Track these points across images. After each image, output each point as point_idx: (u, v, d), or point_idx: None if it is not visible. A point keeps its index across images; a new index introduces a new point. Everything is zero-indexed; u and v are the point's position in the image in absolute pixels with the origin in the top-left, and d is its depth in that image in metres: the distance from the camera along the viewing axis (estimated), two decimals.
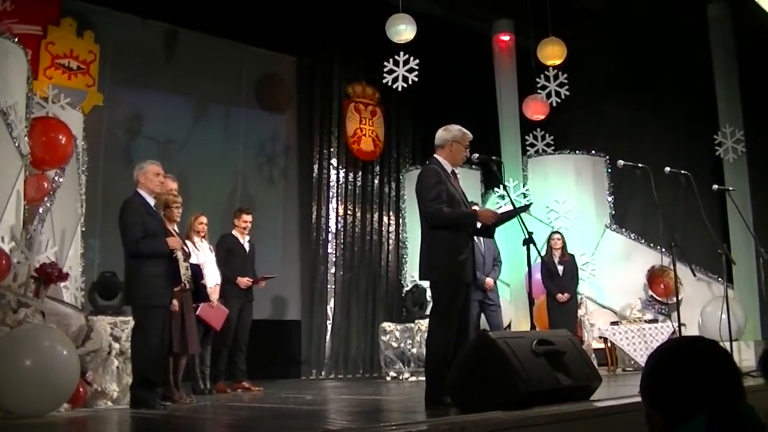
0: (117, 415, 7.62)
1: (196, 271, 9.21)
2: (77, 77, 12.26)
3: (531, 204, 9.62)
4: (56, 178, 9.12)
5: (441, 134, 7.33)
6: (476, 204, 11.02)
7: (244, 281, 11.02)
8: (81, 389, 7.50)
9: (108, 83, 12.69)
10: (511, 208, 7.35)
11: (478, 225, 7.13)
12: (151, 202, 8.23)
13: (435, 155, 7.30)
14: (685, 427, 2.25)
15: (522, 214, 7.02)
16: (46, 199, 8.92)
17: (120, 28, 13.05)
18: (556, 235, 12.71)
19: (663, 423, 2.34)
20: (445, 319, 6.84)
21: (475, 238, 8.71)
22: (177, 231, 9.03)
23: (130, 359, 8.06)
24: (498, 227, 7.51)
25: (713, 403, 2.25)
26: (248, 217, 11.35)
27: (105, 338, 8.10)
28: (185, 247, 9.04)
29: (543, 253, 12.13)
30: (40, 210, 8.80)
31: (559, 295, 12.13)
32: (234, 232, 11.31)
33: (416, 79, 12.12)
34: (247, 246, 11.33)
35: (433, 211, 6.92)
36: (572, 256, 12.64)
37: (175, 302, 8.50)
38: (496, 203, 14.22)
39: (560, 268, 12.39)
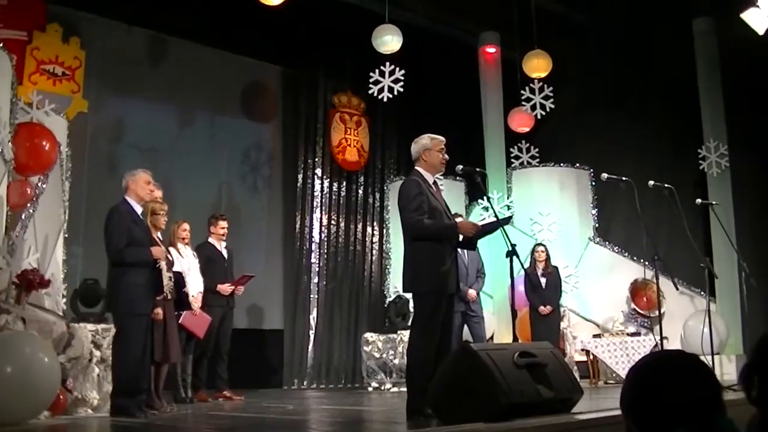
0: (97, 423, 7.59)
1: (178, 279, 9.20)
2: (62, 83, 12.23)
3: (513, 216, 9.60)
4: (39, 185, 9.09)
5: (413, 148, 7.38)
6: (460, 215, 11.04)
7: (224, 288, 11.02)
8: (61, 397, 7.47)
9: (93, 90, 12.66)
10: (493, 219, 7.35)
11: (461, 237, 7.13)
12: (139, 210, 8.24)
13: (415, 167, 7.31)
14: None
15: (505, 226, 7.02)
16: (29, 205, 8.88)
17: (106, 35, 13.02)
18: (540, 248, 12.70)
19: None
20: (426, 330, 6.83)
21: (460, 249, 8.71)
22: (161, 239, 9.00)
23: (111, 367, 8.03)
24: (480, 239, 7.52)
25: (692, 417, 2.26)
26: (224, 224, 11.36)
27: (86, 345, 8.06)
28: (169, 256, 9.03)
29: (526, 265, 12.14)
30: (23, 216, 8.77)
31: (542, 307, 12.12)
32: (211, 239, 11.31)
33: (402, 89, 12.14)
34: (225, 252, 11.34)
35: (414, 223, 6.93)
36: (556, 268, 12.63)
37: (159, 310, 8.50)
38: (480, 215, 14.23)
39: (543, 281, 12.38)
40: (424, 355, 6.78)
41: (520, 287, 12.04)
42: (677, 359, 2.44)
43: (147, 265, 8.04)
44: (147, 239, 8.24)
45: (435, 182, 7.36)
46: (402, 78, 12.11)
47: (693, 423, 2.25)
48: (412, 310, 7.57)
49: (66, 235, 9.74)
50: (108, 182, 11.48)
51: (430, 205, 6.98)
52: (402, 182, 7.58)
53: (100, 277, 8.56)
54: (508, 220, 7.57)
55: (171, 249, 9.64)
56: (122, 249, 7.89)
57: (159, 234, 8.95)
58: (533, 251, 12.69)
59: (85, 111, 12.41)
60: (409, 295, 9.14)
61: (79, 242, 11.71)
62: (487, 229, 7.29)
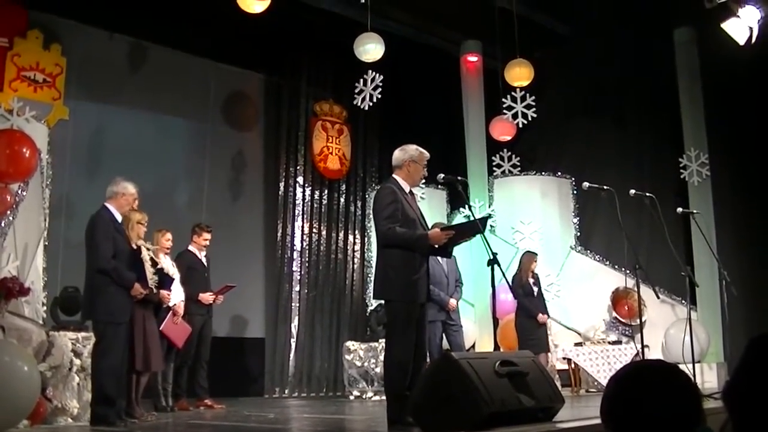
0: None
1: (162, 278, 9.19)
2: (43, 90, 12.14)
3: (487, 217, 9.49)
4: (20, 192, 9.05)
5: (397, 155, 7.37)
6: (442, 223, 11.02)
7: (206, 297, 11.01)
8: (41, 406, 7.43)
9: (74, 97, 12.57)
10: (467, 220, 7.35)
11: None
12: (119, 218, 8.22)
13: (393, 175, 7.33)
14: None
15: (487, 236, 7.00)
16: (8, 212, 8.84)
17: (87, 42, 12.95)
18: (534, 256, 12.61)
19: None
20: (400, 339, 6.84)
21: (440, 258, 8.74)
22: (149, 248, 8.98)
23: (91, 375, 7.99)
24: (456, 246, 7.49)
25: (671, 428, 2.25)
26: (208, 236, 11.38)
27: (66, 354, 8.02)
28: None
29: (508, 273, 12.11)
30: (3, 224, 8.73)
31: (541, 315, 12.04)
32: (191, 248, 11.30)
33: (380, 96, 12.13)
34: (205, 261, 11.35)
35: (386, 230, 6.96)
36: (537, 276, 12.62)
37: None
38: None
39: (535, 289, 12.33)
40: (400, 363, 6.78)
41: (502, 296, 12.03)
42: (658, 370, 2.43)
43: (127, 288, 8.03)
44: (128, 249, 8.22)
45: (411, 192, 7.37)
46: (380, 84, 12.10)
47: None
48: None
49: (46, 243, 9.68)
50: (89, 189, 11.41)
51: (404, 214, 7.00)
52: (377, 189, 7.58)
53: (80, 285, 8.52)
54: (484, 221, 7.52)
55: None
56: (110, 258, 7.88)
57: (141, 242, 8.91)
58: (528, 259, 12.53)
59: (66, 118, 12.31)
60: None
61: (59, 250, 11.62)
62: (460, 233, 7.25)
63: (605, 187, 9.36)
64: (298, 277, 15.04)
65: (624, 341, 13.58)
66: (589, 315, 14.16)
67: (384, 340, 12.19)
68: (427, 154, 7.38)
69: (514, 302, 12.10)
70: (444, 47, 15.95)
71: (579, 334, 14.07)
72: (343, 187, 16.03)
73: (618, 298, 14.08)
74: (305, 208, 15.34)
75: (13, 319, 8.00)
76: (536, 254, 12.75)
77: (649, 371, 2.45)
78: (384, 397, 7.15)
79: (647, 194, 9.60)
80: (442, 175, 7.44)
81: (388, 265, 6.99)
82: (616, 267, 14.16)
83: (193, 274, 10.99)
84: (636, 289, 9.71)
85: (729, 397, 2.27)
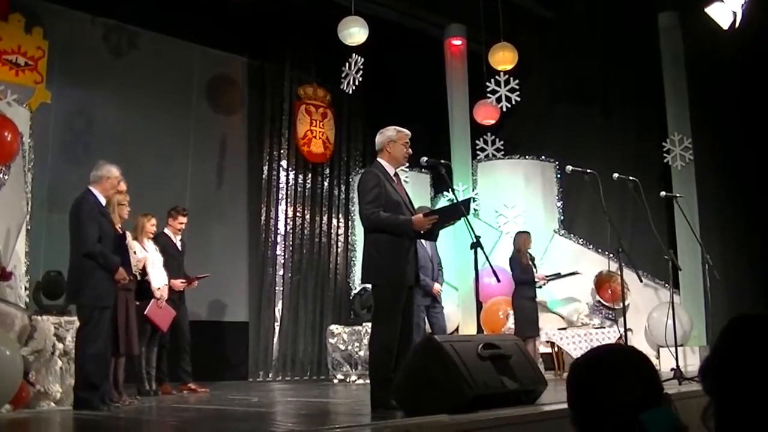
0: (60, 417, 7.55)
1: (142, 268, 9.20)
2: (25, 74, 12.09)
3: (470, 199, 9.46)
4: (1, 176, 9.01)
5: (378, 138, 7.41)
6: (426, 208, 11.02)
7: (177, 284, 10.91)
8: (23, 390, 7.41)
9: (56, 80, 12.51)
10: (450, 203, 7.34)
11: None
12: (103, 202, 8.20)
13: (377, 159, 7.33)
14: None
15: (470, 219, 7.00)
16: None
17: (69, 25, 12.86)
18: (529, 236, 12.72)
19: None
20: (387, 322, 6.83)
21: (423, 242, 8.72)
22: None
23: (75, 360, 7.96)
24: (441, 229, 7.48)
25: (627, 411, 2.26)
26: (184, 219, 11.30)
27: (49, 338, 8.00)
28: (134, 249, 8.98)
29: (492, 257, 12.13)
30: None
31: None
32: (167, 231, 11.21)
33: (361, 78, 12.12)
34: (179, 245, 11.29)
35: (369, 214, 6.97)
36: (533, 256, 12.75)
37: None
38: None
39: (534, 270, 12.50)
40: (386, 347, 6.78)
41: (486, 279, 12.04)
42: (614, 354, 2.45)
43: (111, 271, 8.01)
44: (113, 233, 8.22)
45: (396, 174, 7.36)
46: (362, 67, 12.09)
47: (616, 418, 2.27)
48: None
49: (28, 227, 9.65)
50: (71, 174, 11.35)
51: (388, 198, 7.00)
52: (361, 173, 7.58)
53: (63, 269, 8.49)
54: (467, 203, 7.52)
55: (135, 242, 9.59)
56: (96, 242, 7.86)
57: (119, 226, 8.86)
58: (524, 239, 12.60)
59: (48, 102, 12.27)
60: None
61: (42, 234, 11.55)
62: (444, 217, 7.24)
63: (588, 171, 9.37)
64: (282, 261, 15.02)
65: (607, 325, 13.62)
66: (573, 299, 14.20)
67: (367, 323, 12.31)
68: (407, 132, 7.36)
69: (509, 284, 12.22)
70: (428, 31, 15.93)
71: (562, 317, 14.10)
72: (327, 170, 16.01)
73: (601, 281, 14.12)
74: (289, 192, 15.31)
75: None
76: (530, 233, 12.80)
77: (607, 357, 2.46)
78: (368, 381, 7.15)
79: (631, 178, 9.63)
80: (425, 159, 7.43)
81: (375, 249, 6.99)
82: (600, 251, 14.18)
83: (167, 258, 10.90)
84: (619, 272, 9.74)
85: (707, 375, 2.26)
